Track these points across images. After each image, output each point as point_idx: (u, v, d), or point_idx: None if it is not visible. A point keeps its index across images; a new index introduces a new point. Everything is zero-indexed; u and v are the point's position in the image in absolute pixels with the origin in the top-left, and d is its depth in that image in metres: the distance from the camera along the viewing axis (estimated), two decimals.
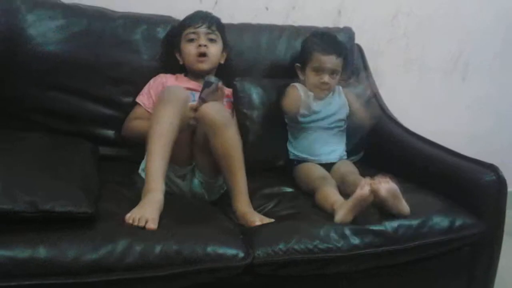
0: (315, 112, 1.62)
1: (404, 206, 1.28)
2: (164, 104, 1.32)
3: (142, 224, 1.09)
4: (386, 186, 1.24)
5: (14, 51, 1.51)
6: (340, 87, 1.71)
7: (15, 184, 1.02)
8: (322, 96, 1.64)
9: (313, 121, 1.63)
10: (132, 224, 1.09)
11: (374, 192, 1.24)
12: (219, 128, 1.33)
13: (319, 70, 1.61)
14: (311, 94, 1.60)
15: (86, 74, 1.58)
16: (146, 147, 1.29)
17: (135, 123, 1.58)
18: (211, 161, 1.39)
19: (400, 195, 1.27)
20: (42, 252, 0.95)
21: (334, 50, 1.60)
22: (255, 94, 1.66)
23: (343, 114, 1.69)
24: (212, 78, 1.46)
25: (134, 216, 1.11)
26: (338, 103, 1.68)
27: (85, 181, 1.17)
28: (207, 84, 1.43)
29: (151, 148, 1.26)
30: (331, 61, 1.60)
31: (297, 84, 1.64)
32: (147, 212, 1.13)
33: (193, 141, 1.38)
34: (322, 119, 1.63)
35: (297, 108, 1.58)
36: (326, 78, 1.60)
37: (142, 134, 1.44)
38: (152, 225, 1.10)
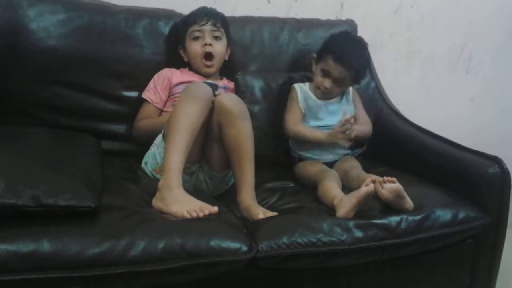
0: (319, 119, 1.61)
1: (407, 203, 1.28)
2: (192, 100, 1.31)
3: (201, 213, 1.15)
4: (390, 187, 1.24)
5: (15, 46, 1.51)
6: (350, 92, 1.68)
7: (18, 178, 1.03)
8: (320, 97, 1.61)
9: (318, 127, 1.60)
10: (191, 215, 1.15)
11: (378, 192, 1.24)
12: (235, 119, 1.33)
13: (325, 73, 1.57)
14: (316, 100, 1.61)
15: (88, 68, 1.57)
16: (167, 138, 1.29)
17: (147, 122, 1.58)
18: (223, 154, 1.39)
19: (404, 194, 1.26)
20: (45, 246, 0.95)
21: (347, 63, 1.53)
22: (257, 88, 1.66)
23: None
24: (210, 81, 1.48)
25: (187, 209, 1.15)
26: (345, 110, 1.63)
27: (88, 175, 1.17)
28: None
29: (176, 142, 1.26)
30: (339, 70, 1.54)
31: (296, 86, 1.63)
32: (192, 203, 1.18)
33: (206, 134, 1.38)
34: (326, 126, 1.59)
35: (296, 131, 1.58)
36: (327, 83, 1.57)
37: (156, 132, 1.44)
38: (213, 209, 1.17)
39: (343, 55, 1.53)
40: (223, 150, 1.38)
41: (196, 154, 1.38)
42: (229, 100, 1.34)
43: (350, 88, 1.68)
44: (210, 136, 1.38)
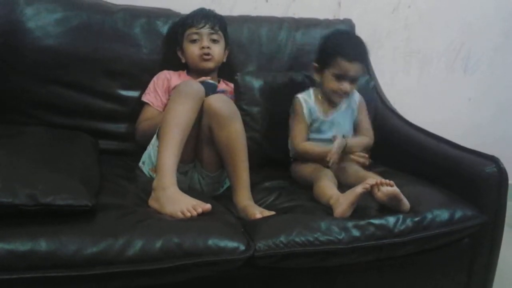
0: (321, 132, 1.57)
1: (404, 205, 1.27)
2: (183, 98, 1.30)
3: (195, 212, 1.14)
4: (387, 190, 1.24)
5: (13, 44, 1.51)
6: (357, 100, 1.61)
7: (15, 177, 1.02)
8: (338, 101, 1.56)
9: (320, 139, 1.56)
10: (185, 216, 1.14)
11: (374, 195, 1.25)
12: (225, 120, 1.32)
13: (340, 77, 1.49)
14: (320, 115, 1.56)
15: (85, 67, 1.57)
16: (159, 138, 1.28)
17: (147, 124, 1.57)
18: (215, 155, 1.39)
19: (401, 197, 1.25)
20: (42, 245, 0.95)
21: (359, 56, 1.48)
22: (257, 89, 1.65)
23: (350, 127, 1.62)
24: (210, 81, 1.48)
25: (181, 210, 1.15)
26: (347, 118, 1.60)
27: (86, 174, 1.17)
28: (210, 88, 1.42)
29: (168, 141, 1.25)
30: (355, 69, 1.47)
31: (301, 98, 1.56)
32: (186, 201, 1.18)
33: (197, 135, 1.38)
34: (328, 139, 1.54)
35: (305, 150, 1.53)
36: (345, 86, 1.49)
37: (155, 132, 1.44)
38: (206, 206, 1.16)
39: (355, 52, 1.48)
40: (215, 151, 1.37)
41: (189, 154, 1.38)
42: (218, 102, 1.33)
43: (357, 95, 1.63)
44: (201, 138, 1.38)
